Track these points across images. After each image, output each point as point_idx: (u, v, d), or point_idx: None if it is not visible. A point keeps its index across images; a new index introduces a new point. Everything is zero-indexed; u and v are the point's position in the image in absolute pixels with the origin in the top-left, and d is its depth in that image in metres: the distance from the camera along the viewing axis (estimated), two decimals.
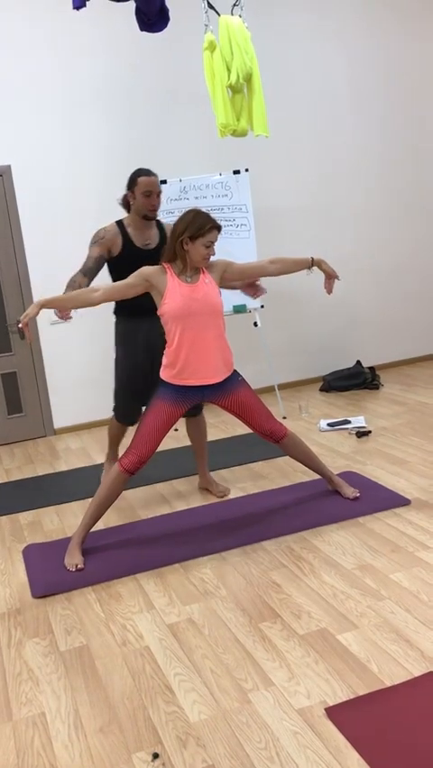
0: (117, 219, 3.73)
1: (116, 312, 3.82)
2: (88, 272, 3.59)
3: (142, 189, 3.56)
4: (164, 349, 3.37)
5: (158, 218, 3.72)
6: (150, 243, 3.65)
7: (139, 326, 3.71)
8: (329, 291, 3.42)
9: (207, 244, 3.13)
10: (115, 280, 3.61)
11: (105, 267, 3.71)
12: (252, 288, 3.55)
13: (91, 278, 3.59)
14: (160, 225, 3.74)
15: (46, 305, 3.05)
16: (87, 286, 3.52)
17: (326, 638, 2.45)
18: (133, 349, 3.74)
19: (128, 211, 3.68)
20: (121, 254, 3.63)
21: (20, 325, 2.99)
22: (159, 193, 3.60)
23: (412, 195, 6.37)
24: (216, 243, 3.17)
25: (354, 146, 6.11)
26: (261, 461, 4.37)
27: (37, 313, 3.00)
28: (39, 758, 2.03)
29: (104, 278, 3.60)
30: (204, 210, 3.19)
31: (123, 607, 2.83)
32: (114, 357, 3.87)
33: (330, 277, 3.39)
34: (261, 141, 5.39)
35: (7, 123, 5.14)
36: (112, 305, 3.79)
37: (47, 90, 5.21)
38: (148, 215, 3.61)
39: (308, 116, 5.92)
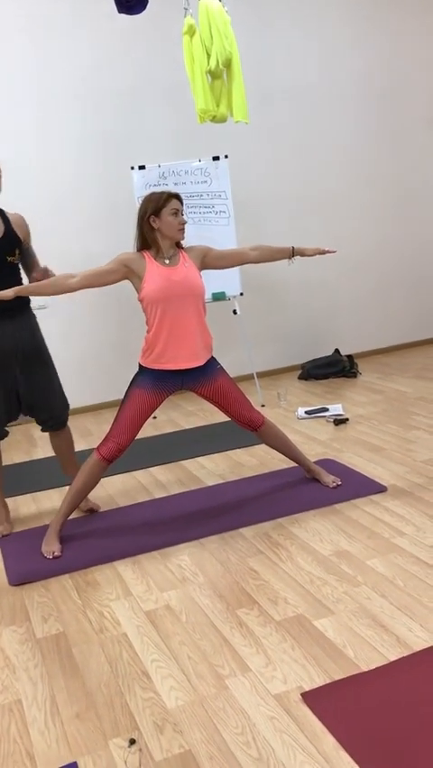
0: None
1: None
2: None
3: None
4: (32, 349, 3.36)
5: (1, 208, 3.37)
6: None
7: (3, 328, 3.32)
8: (332, 251, 3.43)
9: (173, 212, 3.11)
10: None
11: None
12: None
13: None
14: (3, 216, 3.35)
15: (21, 292, 3.03)
16: None
17: (302, 624, 2.46)
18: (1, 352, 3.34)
19: None
20: None
21: None
22: None
23: (393, 184, 6.38)
24: (184, 215, 3.15)
25: (334, 134, 6.10)
26: (239, 449, 4.38)
27: (10, 296, 2.97)
28: (15, 745, 2.03)
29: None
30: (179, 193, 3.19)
31: (100, 594, 2.83)
32: None
33: (321, 253, 3.37)
34: (240, 127, 5.36)
35: None
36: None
37: (23, 75, 5.13)
38: None
39: (288, 103, 5.90)
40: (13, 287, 3.26)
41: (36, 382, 3.42)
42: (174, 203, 3.12)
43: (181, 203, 3.16)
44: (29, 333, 3.41)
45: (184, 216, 3.17)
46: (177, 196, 3.15)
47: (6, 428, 3.50)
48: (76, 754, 1.97)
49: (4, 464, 4.52)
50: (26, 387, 3.41)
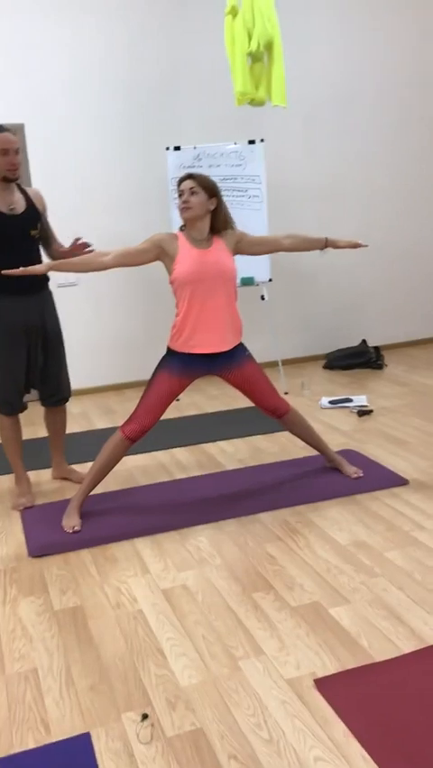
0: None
1: None
2: None
3: None
4: (43, 327, 3.42)
5: (18, 182, 3.36)
6: (15, 208, 3.29)
7: (15, 306, 3.35)
8: (364, 245, 3.39)
9: (179, 193, 3.12)
10: None
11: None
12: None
13: None
14: (22, 190, 3.37)
15: (55, 267, 3.05)
16: None
17: (318, 611, 2.47)
18: (11, 331, 3.36)
19: None
20: None
21: (20, 269, 2.96)
22: (17, 150, 3.21)
23: (428, 178, 6.29)
24: (192, 194, 3.08)
25: (372, 125, 6.02)
26: (261, 435, 4.38)
27: (44, 272, 2.99)
28: (30, 712, 2.07)
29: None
30: (214, 178, 3.18)
31: (118, 570, 2.86)
32: None
33: (353, 246, 3.34)
34: (278, 111, 5.31)
35: (21, 81, 5.07)
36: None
37: (63, 49, 5.13)
38: (8, 176, 3.23)
39: (327, 90, 5.83)
40: (36, 260, 3.35)
41: (52, 358, 3.53)
42: (181, 185, 3.12)
43: (194, 180, 3.09)
44: (50, 310, 3.51)
45: (188, 194, 3.08)
46: (186, 177, 3.13)
47: (25, 401, 3.60)
48: (89, 724, 2.00)
49: (29, 438, 4.57)
50: (42, 362, 3.51)
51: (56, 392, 3.61)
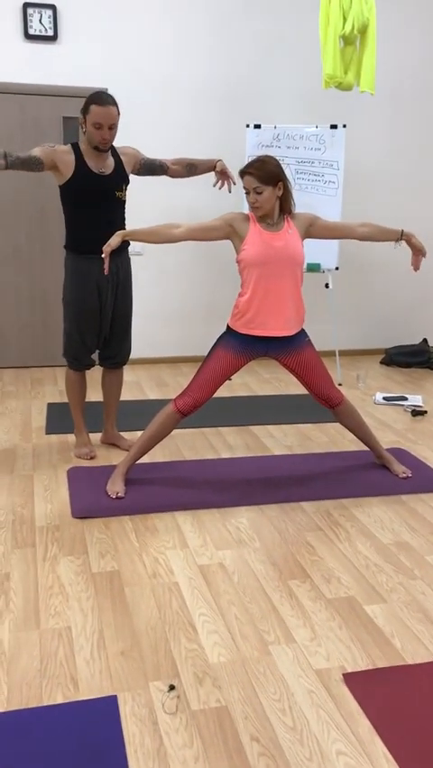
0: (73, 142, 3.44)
1: (68, 246, 3.54)
2: (10, 156, 3.18)
3: (92, 120, 3.24)
4: (115, 291, 3.52)
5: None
6: (105, 170, 3.40)
7: (91, 266, 3.45)
8: (416, 268, 3.32)
9: (245, 190, 3.06)
10: (66, 208, 3.44)
11: (58, 194, 3.45)
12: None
13: (8, 164, 3.19)
14: (115, 152, 3.46)
15: (128, 236, 3.06)
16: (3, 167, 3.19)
17: (353, 606, 2.45)
18: (85, 290, 3.50)
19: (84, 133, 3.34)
20: (74, 177, 3.35)
21: (102, 255, 2.99)
22: (111, 125, 3.26)
23: None
24: (258, 192, 3.00)
25: None
26: (311, 424, 4.35)
27: (119, 243, 3.00)
28: (61, 668, 2.11)
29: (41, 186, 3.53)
30: (279, 159, 3.13)
31: (157, 540, 2.88)
32: (62, 297, 3.61)
33: (418, 253, 3.29)
34: (364, 98, 5.20)
35: (106, 47, 5.08)
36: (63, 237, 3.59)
37: (150, 16, 5.10)
38: (99, 147, 3.33)
39: (415, 79, 5.68)
40: (118, 221, 3.49)
41: (120, 320, 3.65)
42: (244, 181, 3.04)
43: (254, 177, 2.99)
44: (125, 275, 3.61)
45: (254, 195, 3.02)
46: (245, 173, 3.03)
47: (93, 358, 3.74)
48: (117, 688, 2.04)
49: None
50: (111, 323, 3.63)
51: (117, 354, 3.74)
